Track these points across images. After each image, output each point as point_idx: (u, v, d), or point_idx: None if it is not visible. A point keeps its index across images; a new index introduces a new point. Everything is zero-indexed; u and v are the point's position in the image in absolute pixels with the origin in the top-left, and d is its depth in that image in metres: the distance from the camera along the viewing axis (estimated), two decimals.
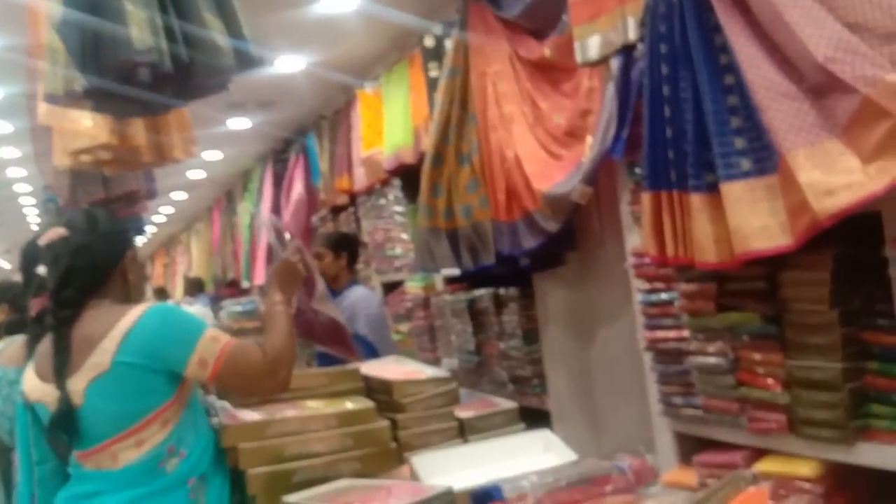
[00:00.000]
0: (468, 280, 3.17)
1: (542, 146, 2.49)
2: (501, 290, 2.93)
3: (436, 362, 3.59)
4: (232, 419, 1.55)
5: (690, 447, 2.11)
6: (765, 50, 1.55)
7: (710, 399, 1.95)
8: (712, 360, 1.91)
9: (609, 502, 1.03)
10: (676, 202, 1.75)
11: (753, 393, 1.82)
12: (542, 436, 1.39)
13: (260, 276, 5.86)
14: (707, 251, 1.68)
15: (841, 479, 1.68)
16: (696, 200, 1.69)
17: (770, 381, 1.76)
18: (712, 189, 1.67)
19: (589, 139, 2.29)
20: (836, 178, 1.41)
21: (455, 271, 2.88)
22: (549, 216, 2.40)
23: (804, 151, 1.46)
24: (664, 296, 2.08)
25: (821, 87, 1.45)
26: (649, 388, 2.23)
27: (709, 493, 0.93)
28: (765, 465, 1.80)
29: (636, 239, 2.20)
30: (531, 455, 1.32)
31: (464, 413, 1.58)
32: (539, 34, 2.56)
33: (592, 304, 2.71)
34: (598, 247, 2.65)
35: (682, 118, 1.72)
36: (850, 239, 1.58)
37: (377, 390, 1.60)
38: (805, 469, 1.70)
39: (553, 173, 2.40)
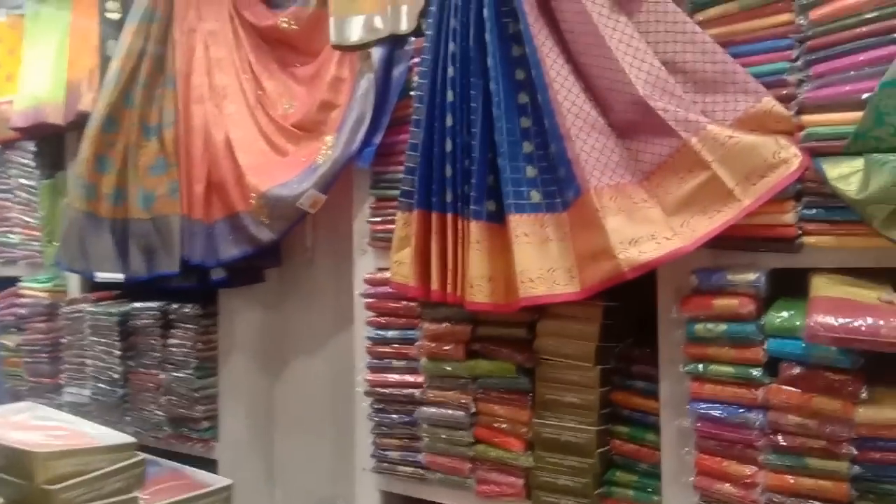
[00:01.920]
0: (122, 288, 2.44)
1: (262, 135, 2.01)
2: (173, 306, 2.30)
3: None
4: None
5: None
6: (575, 73, 1.38)
7: (437, 456, 1.70)
8: (449, 412, 1.66)
9: None
10: (451, 228, 1.48)
11: (491, 452, 1.62)
12: None
13: None
14: (480, 290, 1.43)
15: None
16: (476, 229, 1.43)
17: (513, 440, 1.58)
18: (494, 219, 1.44)
19: (328, 139, 1.90)
20: (639, 227, 1.29)
21: (117, 276, 2.16)
22: (265, 222, 1.93)
23: (609, 192, 1.31)
24: (396, 333, 1.79)
25: (630, 124, 1.33)
26: (358, 440, 1.89)
27: None
28: None
29: (370, 263, 1.87)
30: None
31: (151, 497, 1.03)
32: None
33: (292, 334, 2.28)
34: (306, 265, 2.25)
35: (468, 131, 1.46)
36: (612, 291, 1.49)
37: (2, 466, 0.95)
38: None
39: (276, 171, 1.94)
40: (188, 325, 2.28)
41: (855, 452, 1.15)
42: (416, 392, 1.72)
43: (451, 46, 1.49)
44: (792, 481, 1.21)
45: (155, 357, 2.35)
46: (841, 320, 1.06)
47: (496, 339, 1.59)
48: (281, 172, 1.92)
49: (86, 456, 0.98)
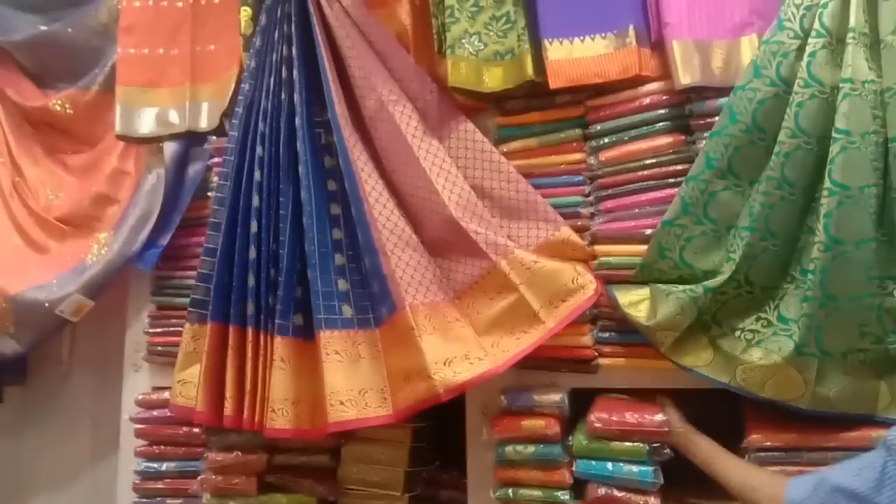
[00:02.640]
0: None
1: (16, 227, 1.71)
2: None
3: None
4: None
5: None
6: (389, 189, 1.38)
7: None
8: None
9: None
10: (251, 344, 1.34)
11: None
12: None
13: None
14: (282, 415, 1.30)
15: None
16: (281, 346, 1.31)
17: None
18: (302, 334, 1.33)
19: (102, 236, 1.67)
20: (453, 346, 1.27)
21: None
22: (9, 331, 1.60)
23: (424, 311, 1.29)
24: (173, 465, 1.55)
25: (443, 243, 1.34)
26: None
27: None
28: None
29: (143, 381, 1.63)
30: None
31: None
32: (49, 79, 1.86)
33: (33, 469, 1.88)
34: (59, 383, 1.91)
35: (275, 240, 1.37)
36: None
37: None
38: None
39: (30, 270, 1.65)
40: None
41: None
42: None
43: (259, 150, 1.41)
44: None
45: None
46: (614, 416, 1.21)
47: (295, 468, 1.45)
48: (37, 272, 1.64)
49: None
